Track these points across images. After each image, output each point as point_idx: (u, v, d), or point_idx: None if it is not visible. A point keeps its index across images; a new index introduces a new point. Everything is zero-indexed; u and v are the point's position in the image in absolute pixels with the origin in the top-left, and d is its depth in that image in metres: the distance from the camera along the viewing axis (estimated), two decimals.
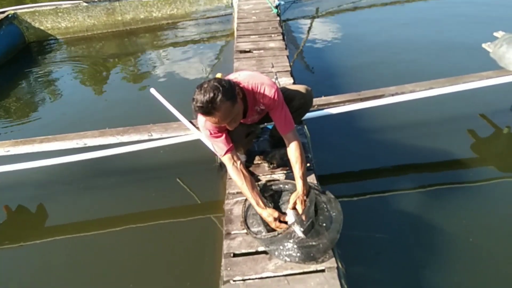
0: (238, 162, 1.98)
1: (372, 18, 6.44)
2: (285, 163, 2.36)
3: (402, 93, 3.00)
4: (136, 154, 2.88)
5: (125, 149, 2.78)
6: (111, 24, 6.71)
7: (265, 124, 2.60)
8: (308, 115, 2.61)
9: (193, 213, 2.75)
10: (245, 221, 1.98)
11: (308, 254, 1.76)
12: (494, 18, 5.64)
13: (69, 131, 2.98)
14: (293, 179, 1.99)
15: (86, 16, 6.61)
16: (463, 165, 2.94)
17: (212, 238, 2.42)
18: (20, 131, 4.06)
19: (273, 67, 3.60)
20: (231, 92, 1.71)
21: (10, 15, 6.25)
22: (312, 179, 2.25)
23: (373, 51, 4.95)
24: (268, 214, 1.85)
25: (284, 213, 1.88)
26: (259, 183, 2.14)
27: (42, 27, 6.55)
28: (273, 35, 4.46)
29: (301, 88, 2.23)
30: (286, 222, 1.84)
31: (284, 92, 2.10)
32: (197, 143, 2.75)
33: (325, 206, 1.96)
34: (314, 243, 1.77)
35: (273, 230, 1.84)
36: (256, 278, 1.73)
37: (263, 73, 3.10)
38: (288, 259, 1.78)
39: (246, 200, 2.06)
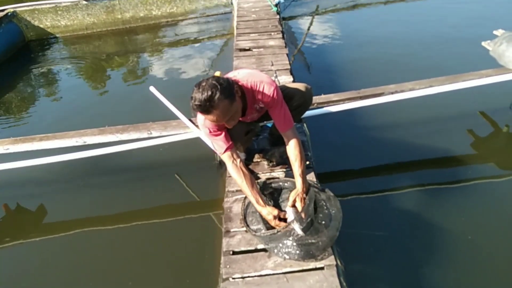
0: (238, 160, 1.98)
1: (372, 16, 6.44)
2: (284, 161, 2.36)
3: (402, 91, 3.00)
4: (136, 152, 2.89)
5: (125, 147, 2.78)
6: (111, 22, 6.71)
7: (265, 122, 2.60)
8: (308, 113, 2.61)
9: (193, 211, 2.75)
10: (244, 219, 1.98)
11: (307, 252, 1.77)
12: (494, 16, 5.64)
13: (69, 129, 2.98)
14: (293, 177, 1.99)
15: (85, 14, 6.61)
16: (462, 163, 2.94)
17: (212, 236, 2.42)
18: (20, 129, 4.07)
19: (272, 65, 3.60)
20: (229, 90, 1.71)
21: (9, 13, 6.24)
22: (311, 177, 2.25)
23: (372, 49, 4.95)
24: (268, 212, 1.85)
25: (284, 211, 1.88)
26: (259, 181, 2.14)
27: (41, 25, 6.55)
28: (272, 33, 4.45)
29: (300, 86, 2.23)
30: (285, 220, 1.84)
31: (284, 90, 2.10)
32: (197, 141, 2.76)
33: (324, 204, 1.96)
34: (313, 241, 1.78)
35: (273, 228, 1.84)
36: (255, 276, 1.74)
37: (262, 71, 3.10)
38: (287, 257, 1.78)
39: (245, 198, 2.06)
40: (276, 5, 5.38)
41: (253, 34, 4.48)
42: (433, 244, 2.28)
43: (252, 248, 1.88)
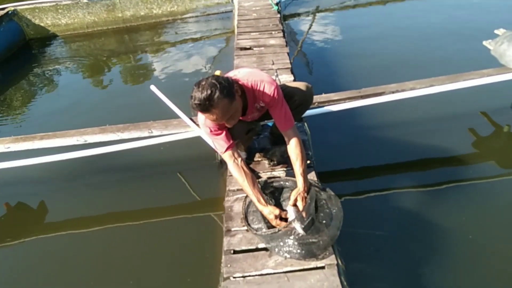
0: (239, 159, 1.98)
1: (372, 15, 6.43)
2: (285, 161, 2.36)
3: (403, 90, 3.00)
4: (137, 151, 2.89)
5: (126, 146, 2.78)
6: (111, 21, 6.71)
7: (265, 121, 2.60)
8: (308, 112, 2.61)
9: (193, 210, 2.75)
10: (245, 217, 1.98)
11: (308, 251, 1.77)
12: (496, 15, 5.63)
13: (70, 128, 2.98)
14: (294, 176, 1.99)
15: (86, 12, 6.60)
16: (463, 163, 2.94)
17: (212, 235, 2.42)
18: (20, 127, 4.07)
19: (273, 64, 3.60)
20: (229, 89, 1.71)
21: (10, 12, 6.24)
22: (312, 176, 2.25)
23: (373, 48, 4.94)
24: (270, 211, 1.86)
25: (285, 210, 1.89)
26: (260, 180, 2.15)
27: (42, 24, 6.55)
28: (273, 32, 4.45)
29: (301, 85, 2.22)
30: (286, 220, 1.84)
31: (284, 89, 2.10)
32: (198, 140, 2.76)
33: (325, 203, 1.97)
34: (314, 240, 1.78)
35: (274, 227, 1.85)
36: (256, 275, 1.74)
37: (263, 70, 3.10)
38: (288, 256, 1.78)
39: (246, 197, 2.06)
40: (277, 4, 5.37)
41: (254, 33, 4.48)
42: (434, 244, 2.29)
43: (253, 247, 1.88)
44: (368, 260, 2.25)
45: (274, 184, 2.14)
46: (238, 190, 2.25)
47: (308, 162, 2.32)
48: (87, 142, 2.88)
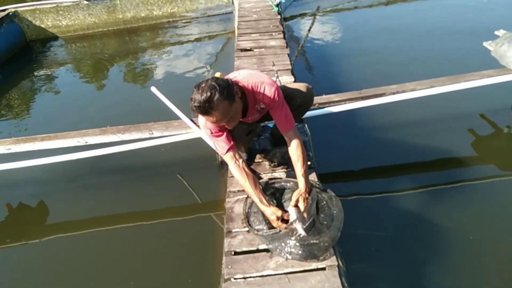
0: (240, 161, 1.98)
1: (373, 17, 6.44)
2: (285, 162, 2.36)
3: (403, 91, 3.00)
4: (137, 152, 2.89)
5: (126, 147, 2.79)
6: (112, 22, 6.72)
7: (266, 122, 2.60)
8: (309, 113, 2.61)
9: (194, 211, 2.75)
10: (246, 218, 1.98)
11: (309, 252, 1.77)
12: (496, 16, 5.63)
13: (70, 129, 2.99)
14: (294, 177, 1.99)
15: (86, 14, 6.61)
16: (463, 164, 2.94)
17: (213, 236, 2.42)
18: (21, 129, 4.07)
19: (274, 65, 3.60)
20: (229, 91, 1.71)
21: (11, 13, 6.25)
22: (313, 177, 2.25)
23: (373, 49, 4.95)
24: (272, 212, 1.86)
25: (286, 211, 1.89)
26: (261, 181, 2.15)
27: (42, 25, 6.56)
28: (274, 34, 4.45)
29: (301, 86, 2.23)
30: (288, 221, 1.84)
31: (285, 91, 2.10)
32: (198, 141, 2.76)
33: (326, 204, 1.97)
34: (315, 241, 1.78)
35: (275, 228, 1.85)
36: (257, 276, 1.74)
37: (263, 72, 3.10)
38: (289, 257, 1.78)
39: (247, 197, 2.06)
40: (277, 5, 5.37)
41: (254, 34, 4.48)
42: (435, 245, 2.29)
43: (254, 248, 1.88)
44: (369, 261, 2.25)
45: (275, 185, 2.14)
46: (238, 191, 2.25)
47: (309, 163, 2.31)
48: (87, 144, 2.88)
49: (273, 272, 1.75)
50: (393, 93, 2.99)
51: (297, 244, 1.77)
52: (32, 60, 5.96)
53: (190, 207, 2.80)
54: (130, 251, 2.50)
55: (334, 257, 1.77)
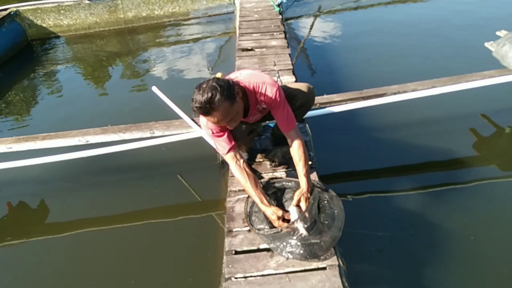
0: (241, 161, 1.98)
1: (374, 17, 6.43)
2: (286, 161, 2.36)
3: (404, 92, 3.00)
4: (138, 152, 2.90)
5: (127, 147, 2.79)
6: (113, 22, 6.72)
7: (267, 122, 2.60)
8: (310, 113, 2.61)
9: (195, 210, 2.75)
10: (248, 217, 1.98)
11: (310, 252, 1.77)
12: (497, 16, 5.63)
13: (72, 128, 2.99)
14: (295, 177, 1.99)
15: (88, 13, 6.62)
16: (465, 164, 2.93)
17: (214, 236, 2.42)
18: (22, 128, 4.08)
19: (275, 65, 3.60)
20: (230, 91, 1.70)
21: (12, 12, 6.26)
22: (314, 177, 2.25)
23: (375, 50, 4.95)
24: (273, 212, 1.86)
25: (287, 211, 1.89)
26: (262, 180, 2.15)
27: (44, 25, 6.56)
28: (275, 33, 4.45)
29: (303, 86, 2.23)
30: (289, 221, 1.84)
31: (286, 91, 2.10)
32: (199, 140, 2.76)
33: (327, 204, 1.97)
34: (316, 241, 1.78)
35: (276, 227, 1.85)
36: (257, 276, 1.74)
37: (265, 72, 3.10)
38: (290, 256, 1.78)
39: (248, 197, 2.06)
40: (278, 5, 5.38)
41: (256, 34, 4.48)
42: (436, 245, 2.28)
43: (255, 247, 1.88)
44: (370, 261, 2.25)
45: (276, 184, 2.14)
46: (239, 190, 2.25)
47: (310, 163, 2.31)
48: (89, 143, 2.89)
49: (273, 272, 1.75)
50: (395, 93, 2.99)
51: (298, 243, 1.77)
52: (33, 59, 5.97)
53: (191, 207, 2.80)
54: (131, 250, 2.50)
55: (335, 257, 1.77)
